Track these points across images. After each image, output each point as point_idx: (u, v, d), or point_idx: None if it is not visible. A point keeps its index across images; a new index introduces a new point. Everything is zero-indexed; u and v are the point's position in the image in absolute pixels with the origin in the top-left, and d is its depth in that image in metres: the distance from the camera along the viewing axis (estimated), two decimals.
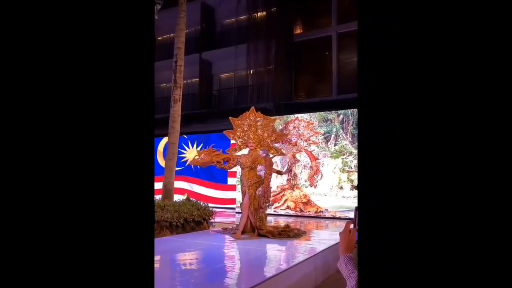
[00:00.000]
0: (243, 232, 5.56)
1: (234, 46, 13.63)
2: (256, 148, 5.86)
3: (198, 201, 7.15)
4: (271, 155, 6.00)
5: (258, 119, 6.07)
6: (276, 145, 6.53)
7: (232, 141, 6.26)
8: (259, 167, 5.67)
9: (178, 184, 11.57)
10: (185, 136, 12.99)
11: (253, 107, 6.29)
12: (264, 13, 12.98)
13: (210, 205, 7.57)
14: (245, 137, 6.02)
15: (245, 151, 6.14)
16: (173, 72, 7.96)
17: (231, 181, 11.94)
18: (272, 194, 10.78)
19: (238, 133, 6.14)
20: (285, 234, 5.52)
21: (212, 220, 7.08)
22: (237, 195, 11.42)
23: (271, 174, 5.64)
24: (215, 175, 12.33)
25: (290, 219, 9.31)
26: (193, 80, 15.03)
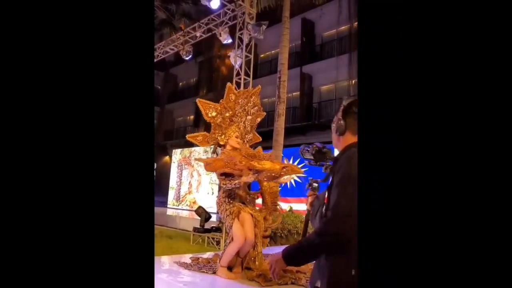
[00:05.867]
0: (230, 268, 3.27)
1: (334, 57, 13.49)
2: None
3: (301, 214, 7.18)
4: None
5: (255, 106, 3.77)
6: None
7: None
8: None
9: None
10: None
11: (259, 86, 3.93)
12: None
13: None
14: (228, 126, 3.59)
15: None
16: (277, 87, 8.27)
17: None
18: None
19: (224, 114, 3.62)
20: (287, 278, 3.04)
21: None
22: None
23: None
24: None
25: None
26: (293, 93, 15.30)
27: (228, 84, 3.87)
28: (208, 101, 3.74)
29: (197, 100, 3.72)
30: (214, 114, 3.61)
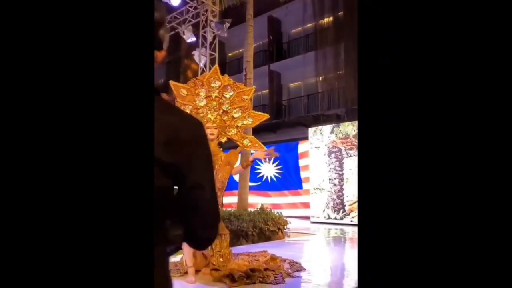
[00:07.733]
0: (197, 271, 3.31)
1: (302, 54, 13.63)
2: (218, 138, 3.51)
3: (272, 211, 7.16)
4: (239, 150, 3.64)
5: (226, 87, 3.66)
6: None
7: None
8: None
9: (253, 199, 11.20)
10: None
11: (216, 66, 3.91)
12: (331, 18, 12.78)
13: (284, 214, 7.51)
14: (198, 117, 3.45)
15: None
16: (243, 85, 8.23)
17: (305, 186, 11.71)
18: (349, 202, 10.27)
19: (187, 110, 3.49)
20: (255, 277, 3.09)
21: (287, 230, 7.05)
22: (309, 199, 11.11)
23: (229, 174, 3.47)
24: (290, 182, 12.31)
25: None
26: (263, 91, 15.33)
27: (170, 82, 3.80)
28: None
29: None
30: None
